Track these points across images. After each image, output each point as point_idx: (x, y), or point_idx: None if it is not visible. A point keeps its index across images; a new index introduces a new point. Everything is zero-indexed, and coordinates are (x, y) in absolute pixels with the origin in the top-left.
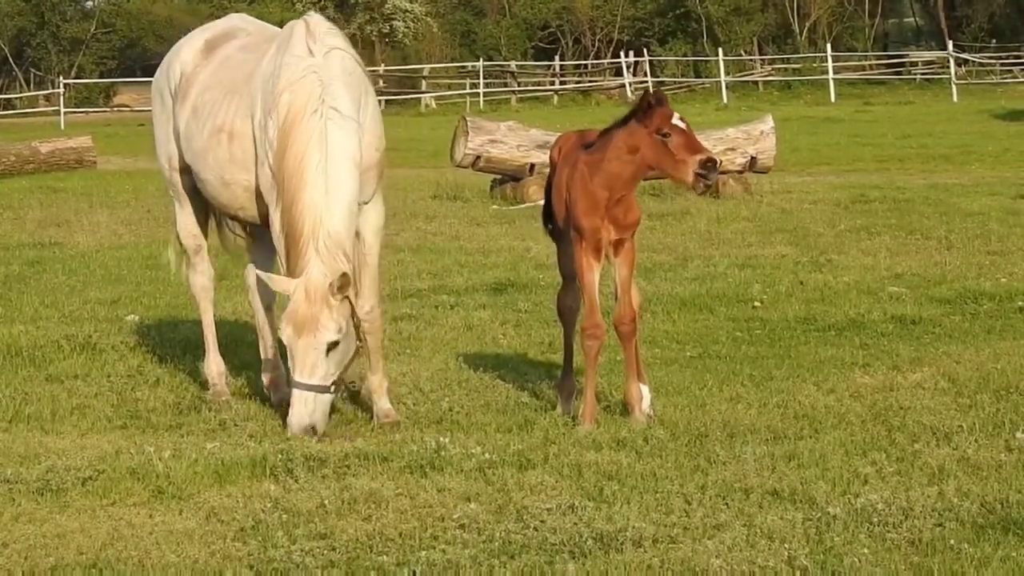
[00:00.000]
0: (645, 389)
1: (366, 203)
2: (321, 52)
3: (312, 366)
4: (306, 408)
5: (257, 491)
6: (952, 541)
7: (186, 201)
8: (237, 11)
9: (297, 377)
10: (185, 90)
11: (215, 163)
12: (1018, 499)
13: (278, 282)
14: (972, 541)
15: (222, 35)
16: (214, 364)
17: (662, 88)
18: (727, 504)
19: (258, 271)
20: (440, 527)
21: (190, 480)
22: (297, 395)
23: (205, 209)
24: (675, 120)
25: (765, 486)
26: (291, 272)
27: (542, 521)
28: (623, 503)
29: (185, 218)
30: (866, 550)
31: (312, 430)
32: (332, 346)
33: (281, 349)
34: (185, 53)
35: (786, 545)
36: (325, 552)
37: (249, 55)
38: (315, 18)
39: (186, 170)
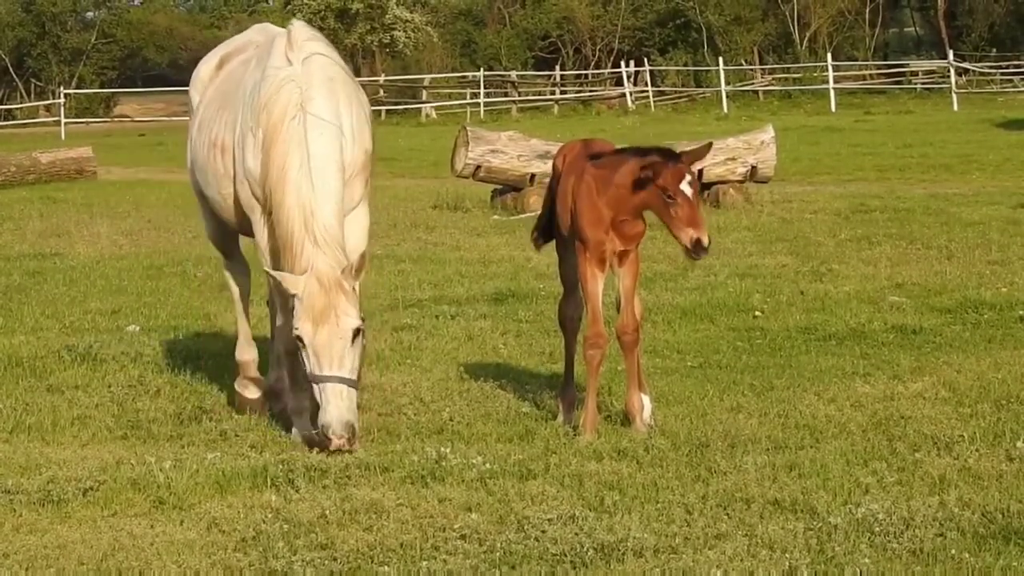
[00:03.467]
0: (646, 399)
1: (352, 209)
2: (299, 59)
3: (340, 357)
4: (343, 402)
5: (258, 501)
6: (953, 551)
7: (209, 213)
8: (237, 21)
9: (326, 371)
10: (198, 107)
11: (213, 178)
12: (1019, 509)
13: (289, 280)
14: (973, 551)
15: (235, 50)
16: (246, 352)
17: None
18: (728, 514)
19: (268, 268)
20: (441, 537)
21: (191, 490)
22: (331, 390)
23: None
24: (684, 185)
25: (766, 496)
26: (292, 271)
27: (543, 531)
28: (624, 513)
29: (212, 228)
30: (867, 560)
31: (352, 428)
32: (356, 333)
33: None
34: (203, 71)
35: (787, 555)
36: (326, 562)
37: (243, 68)
38: (297, 26)
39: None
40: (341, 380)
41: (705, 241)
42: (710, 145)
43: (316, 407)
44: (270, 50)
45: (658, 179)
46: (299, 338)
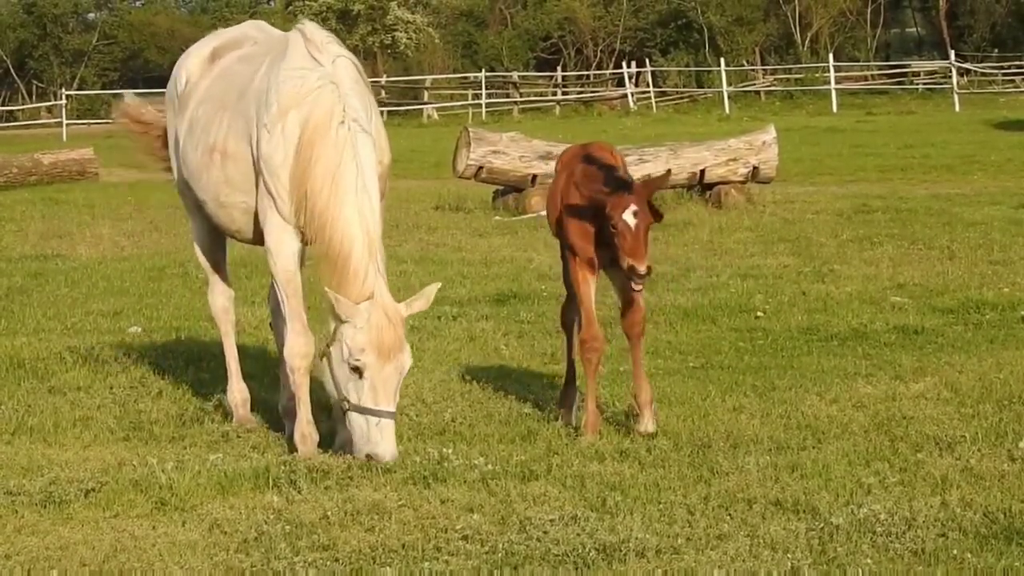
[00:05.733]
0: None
1: None
2: (328, 60)
3: (395, 393)
4: (395, 437)
5: (260, 502)
6: (955, 551)
7: (196, 218)
8: (239, 22)
9: (382, 405)
10: (185, 100)
11: (209, 183)
12: (1021, 509)
13: (347, 307)
14: (975, 551)
15: (230, 43)
16: (237, 392)
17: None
18: (730, 515)
19: (329, 290)
20: (443, 538)
21: (193, 492)
22: (387, 425)
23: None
24: (627, 215)
25: (768, 496)
26: (347, 295)
27: (545, 532)
28: (626, 514)
29: (199, 235)
30: (869, 560)
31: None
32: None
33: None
34: (191, 61)
35: (789, 555)
36: (328, 563)
37: (246, 67)
38: (311, 27)
39: (188, 185)
40: (391, 415)
41: (640, 269)
42: (668, 173)
43: (330, 425)
44: (284, 49)
45: (605, 207)
46: (357, 369)
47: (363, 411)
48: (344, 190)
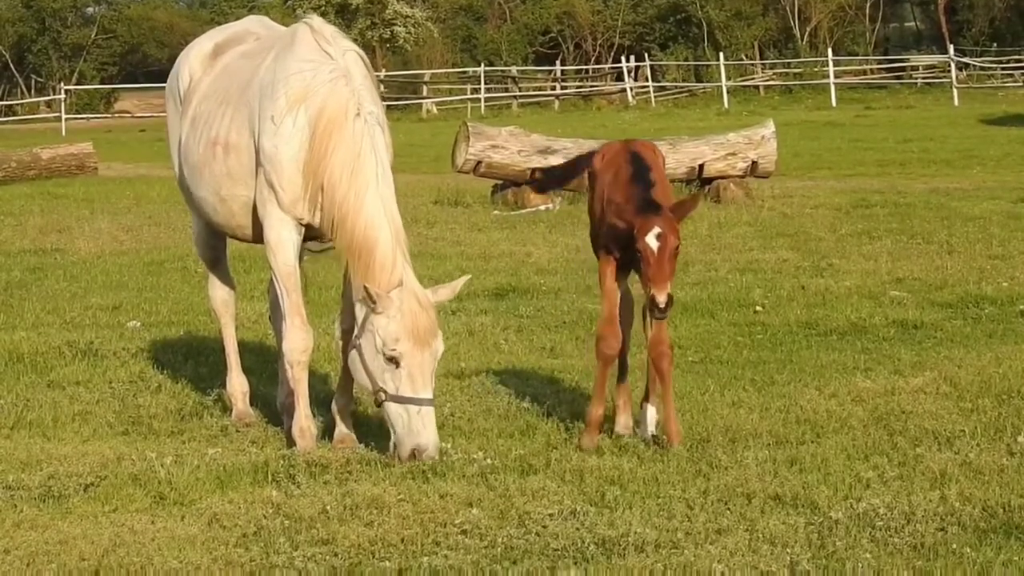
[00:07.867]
0: (651, 409)
1: None
2: (339, 54)
3: (432, 378)
4: (435, 425)
5: (259, 497)
6: (954, 545)
7: (198, 213)
8: (238, 16)
9: (420, 392)
10: (189, 98)
11: (211, 178)
12: (1020, 503)
13: (379, 297)
14: (974, 545)
15: (232, 39)
16: (237, 384)
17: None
18: (729, 509)
19: (364, 284)
20: (442, 533)
21: (192, 486)
22: (427, 413)
23: None
24: (650, 238)
25: (767, 491)
26: (376, 284)
27: (544, 526)
28: (625, 508)
29: (199, 229)
30: (868, 555)
31: (440, 450)
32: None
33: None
34: (194, 57)
35: (788, 550)
36: (327, 558)
37: (248, 62)
38: (318, 21)
39: (190, 182)
40: (431, 402)
41: (660, 300)
42: (697, 197)
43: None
44: (291, 42)
45: (635, 228)
46: (393, 359)
47: (402, 400)
48: (365, 180)
